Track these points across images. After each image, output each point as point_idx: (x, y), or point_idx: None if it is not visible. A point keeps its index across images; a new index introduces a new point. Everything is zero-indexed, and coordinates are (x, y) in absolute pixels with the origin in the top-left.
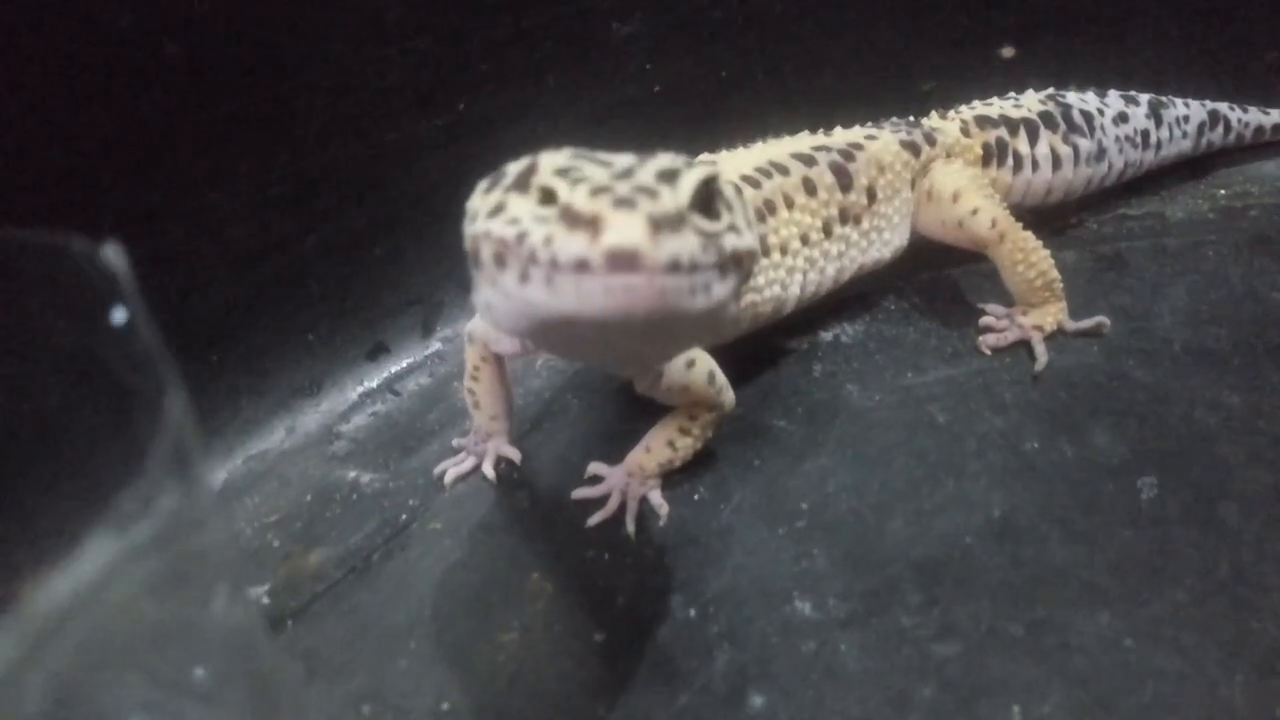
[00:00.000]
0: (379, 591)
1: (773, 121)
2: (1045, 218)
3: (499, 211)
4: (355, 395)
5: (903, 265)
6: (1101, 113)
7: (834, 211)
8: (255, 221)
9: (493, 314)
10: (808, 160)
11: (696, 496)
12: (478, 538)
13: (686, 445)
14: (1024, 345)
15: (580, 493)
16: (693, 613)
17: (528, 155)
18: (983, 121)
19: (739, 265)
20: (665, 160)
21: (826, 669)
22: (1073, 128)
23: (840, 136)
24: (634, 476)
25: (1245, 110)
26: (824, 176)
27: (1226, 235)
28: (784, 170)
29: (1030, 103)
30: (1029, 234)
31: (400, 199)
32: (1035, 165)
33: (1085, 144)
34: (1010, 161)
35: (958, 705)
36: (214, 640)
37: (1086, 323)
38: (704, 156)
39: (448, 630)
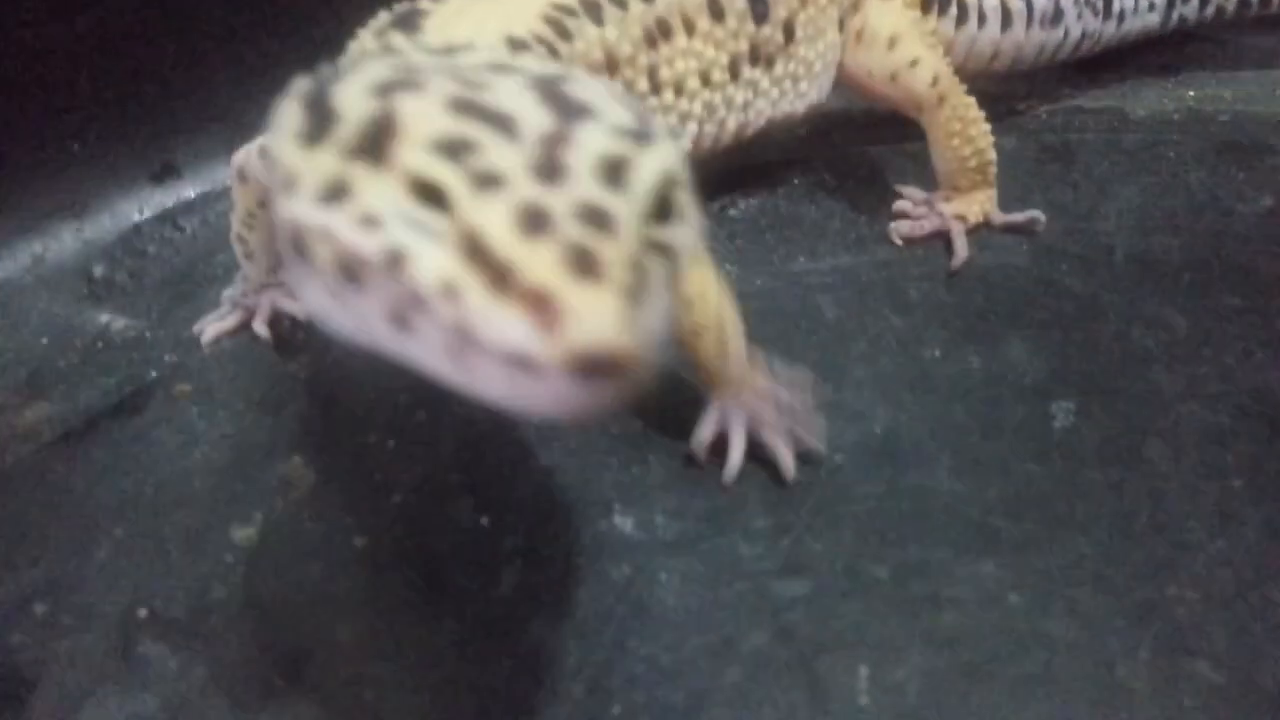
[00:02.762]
0: (94, 462)
1: None
2: (988, 99)
3: (342, 195)
4: (128, 224)
5: (815, 135)
6: None
7: (743, 47)
8: None
9: (332, 323)
10: None
11: None
12: (234, 407)
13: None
14: (942, 237)
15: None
16: (485, 520)
17: (365, 86)
18: None
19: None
20: (598, 130)
21: (637, 602)
22: None
23: None
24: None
25: None
26: (735, 0)
27: (1192, 138)
28: None
29: None
30: (973, 101)
31: None
32: (982, 19)
33: (1041, 0)
34: (954, 10)
35: (791, 660)
36: None
37: (1017, 216)
38: None
39: (168, 518)
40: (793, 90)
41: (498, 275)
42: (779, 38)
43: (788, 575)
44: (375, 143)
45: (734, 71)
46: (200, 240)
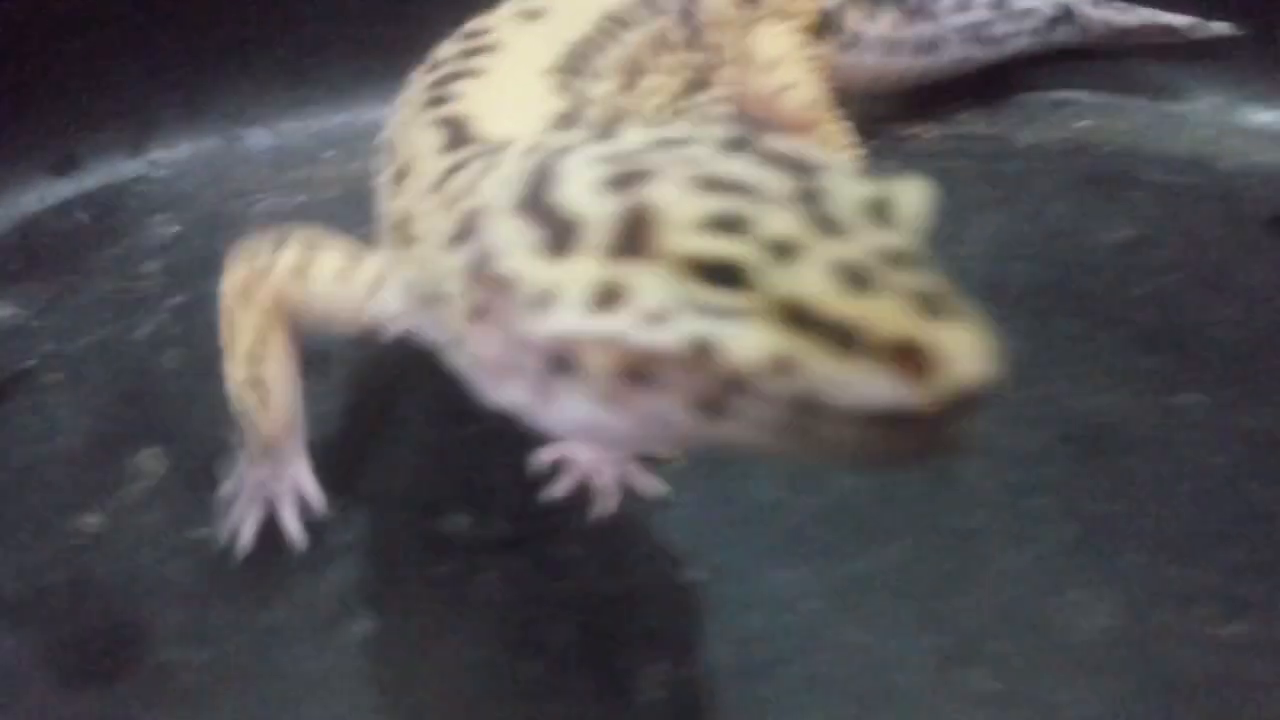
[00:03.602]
0: None
1: None
2: (878, 123)
3: (616, 298)
4: (24, 213)
5: None
6: None
7: (689, 75)
8: None
9: (601, 431)
10: (651, 4)
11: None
12: (100, 398)
13: None
14: None
15: None
16: (324, 514)
17: (592, 184)
18: None
19: None
20: (839, 178)
21: (453, 599)
22: (917, 8)
23: None
24: None
25: (1100, 4)
26: (675, 29)
27: (1069, 167)
28: (636, 18)
29: None
30: (844, 129)
31: None
32: (868, 46)
33: (924, 31)
34: (842, 36)
35: (591, 655)
36: None
37: None
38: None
39: (19, 503)
40: (724, 112)
41: (837, 337)
42: (712, 61)
43: (607, 575)
44: (635, 237)
45: (689, 100)
46: (96, 233)
